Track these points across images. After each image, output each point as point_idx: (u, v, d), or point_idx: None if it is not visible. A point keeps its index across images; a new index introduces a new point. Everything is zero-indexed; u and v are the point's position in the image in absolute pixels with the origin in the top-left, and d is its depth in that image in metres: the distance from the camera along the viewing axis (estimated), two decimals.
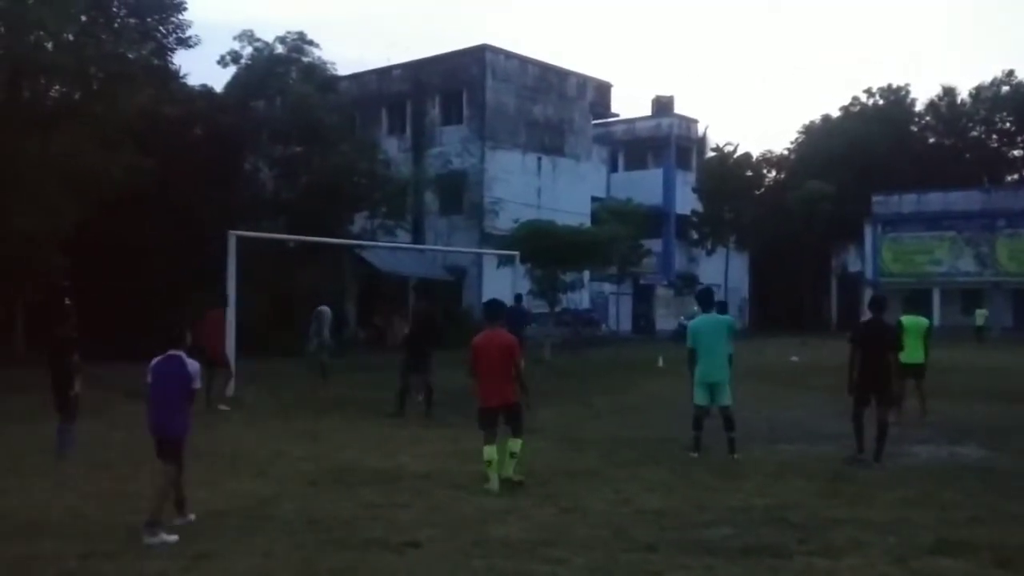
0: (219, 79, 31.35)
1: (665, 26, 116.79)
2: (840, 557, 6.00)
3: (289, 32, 28.85)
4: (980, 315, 39.71)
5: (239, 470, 8.86)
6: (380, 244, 29.42)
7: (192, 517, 6.77)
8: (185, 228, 23.04)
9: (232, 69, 28.64)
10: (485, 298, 11.60)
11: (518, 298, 19.61)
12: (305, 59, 29.11)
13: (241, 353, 15.07)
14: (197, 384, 6.75)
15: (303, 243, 23.69)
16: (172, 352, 6.69)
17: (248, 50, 28.37)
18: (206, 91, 27.76)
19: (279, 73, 28.44)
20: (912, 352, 12.81)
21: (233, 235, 15.95)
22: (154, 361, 6.70)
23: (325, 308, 17.78)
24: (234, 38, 28.49)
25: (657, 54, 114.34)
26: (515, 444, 8.31)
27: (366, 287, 32.15)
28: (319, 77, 29.08)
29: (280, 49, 28.73)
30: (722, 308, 10.81)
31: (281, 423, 11.96)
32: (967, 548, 6.16)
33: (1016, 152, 58.44)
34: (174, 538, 6.27)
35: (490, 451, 8.16)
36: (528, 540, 6.41)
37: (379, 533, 6.57)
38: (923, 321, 13.44)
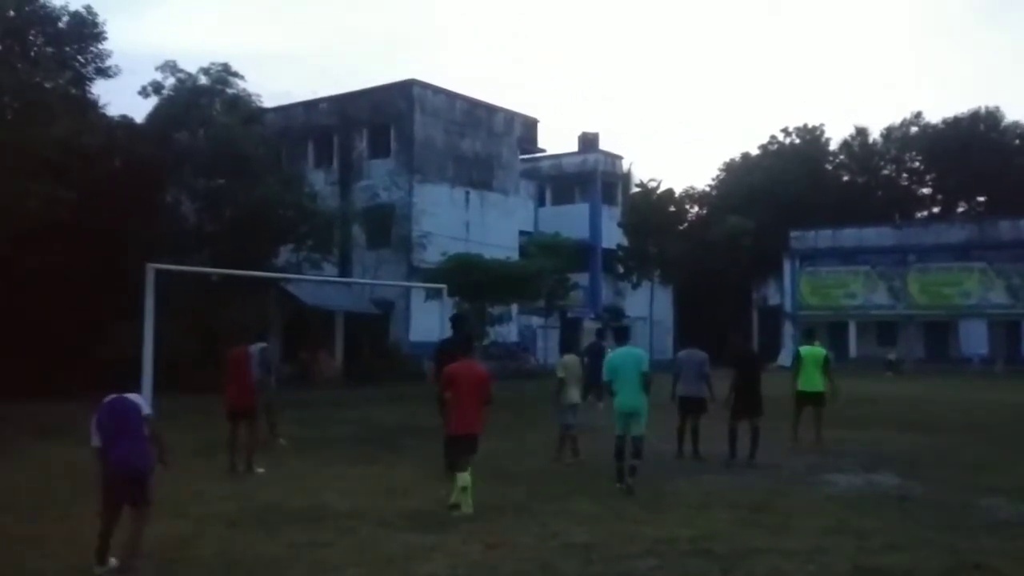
0: (140, 110, 30.64)
1: (589, 64, 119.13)
2: None
3: (213, 63, 28.50)
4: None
5: (158, 511, 8.50)
6: (306, 277, 29.03)
7: (114, 562, 6.49)
8: (104, 261, 22.41)
9: (154, 100, 28.12)
10: (413, 332, 11.60)
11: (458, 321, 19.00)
12: (229, 91, 28.71)
13: (161, 390, 14.65)
14: (147, 410, 6.61)
15: (227, 277, 23.26)
16: (112, 396, 6.57)
17: (171, 81, 27.86)
18: (126, 122, 27.14)
19: (202, 104, 27.98)
20: (810, 381, 13.61)
21: (152, 268, 15.56)
22: (104, 401, 6.56)
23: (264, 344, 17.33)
24: (156, 68, 27.96)
25: (581, 91, 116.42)
26: (464, 479, 8.46)
27: (292, 321, 31.66)
28: (243, 109, 28.71)
29: (203, 80, 28.29)
30: (623, 333, 11.11)
31: (203, 461, 11.65)
32: (883, 575, 6.33)
33: (925, 190, 60.94)
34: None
35: (464, 478, 8.35)
36: None
37: (302, 573, 6.44)
38: (820, 351, 14.17)
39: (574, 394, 11.79)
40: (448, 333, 11.68)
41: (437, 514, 8.42)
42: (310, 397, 22.55)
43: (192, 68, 28.24)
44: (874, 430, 15.88)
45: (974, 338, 44.62)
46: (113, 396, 6.58)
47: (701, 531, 7.77)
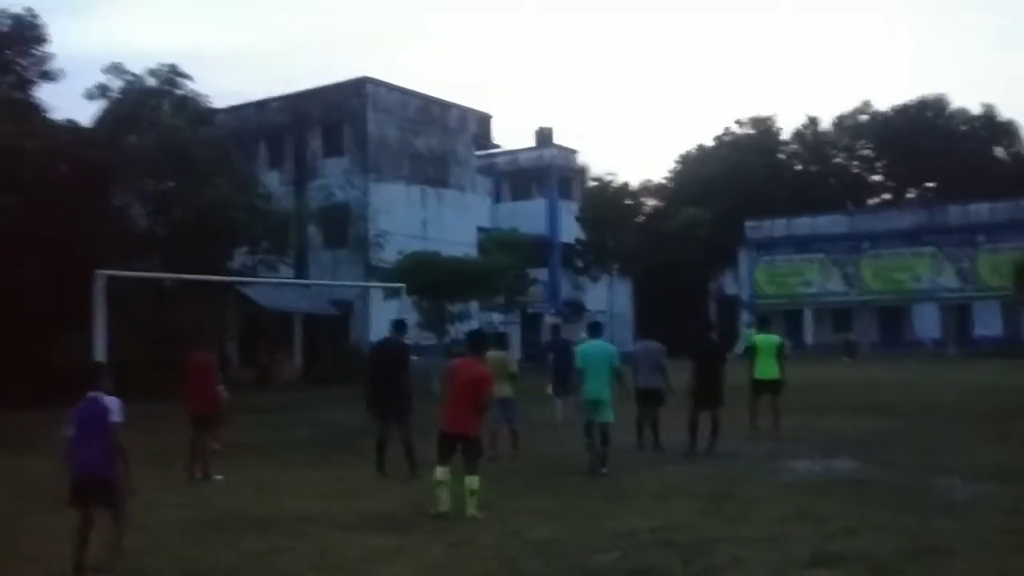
0: (87, 113, 29.99)
1: (543, 59, 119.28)
2: (723, 575, 6.13)
3: (160, 64, 28.03)
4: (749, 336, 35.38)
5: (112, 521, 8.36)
6: (262, 280, 28.68)
7: None
8: (52, 268, 21.90)
9: (100, 103, 27.58)
10: (373, 332, 11.49)
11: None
12: (178, 92, 28.27)
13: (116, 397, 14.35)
14: (117, 418, 6.40)
15: (180, 281, 22.88)
16: (90, 395, 6.42)
17: (117, 83, 27.37)
18: (72, 126, 26.58)
19: (150, 106, 27.51)
20: (766, 368, 13.77)
21: (101, 275, 15.24)
22: (73, 411, 6.38)
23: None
24: (102, 71, 27.44)
25: (535, 87, 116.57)
26: (472, 481, 8.20)
27: (249, 325, 31.28)
28: (192, 110, 28.29)
29: (151, 82, 27.81)
30: (597, 328, 11.76)
31: (158, 469, 11.42)
32: (841, 559, 6.39)
33: (876, 177, 62.01)
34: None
35: (442, 471, 8.14)
36: None
37: None
38: (774, 338, 14.36)
39: (497, 389, 11.47)
40: (386, 334, 11.57)
41: (398, 516, 8.35)
42: (268, 400, 22.31)
43: (139, 70, 27.76)
44: (831, 415, 16.09)
45: (926, 322, 45.52)
46: (92, 395, 6.43)
47: (662, 522, 7.79)
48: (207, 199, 25.81)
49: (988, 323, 43.58)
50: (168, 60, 28.82)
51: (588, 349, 11.03)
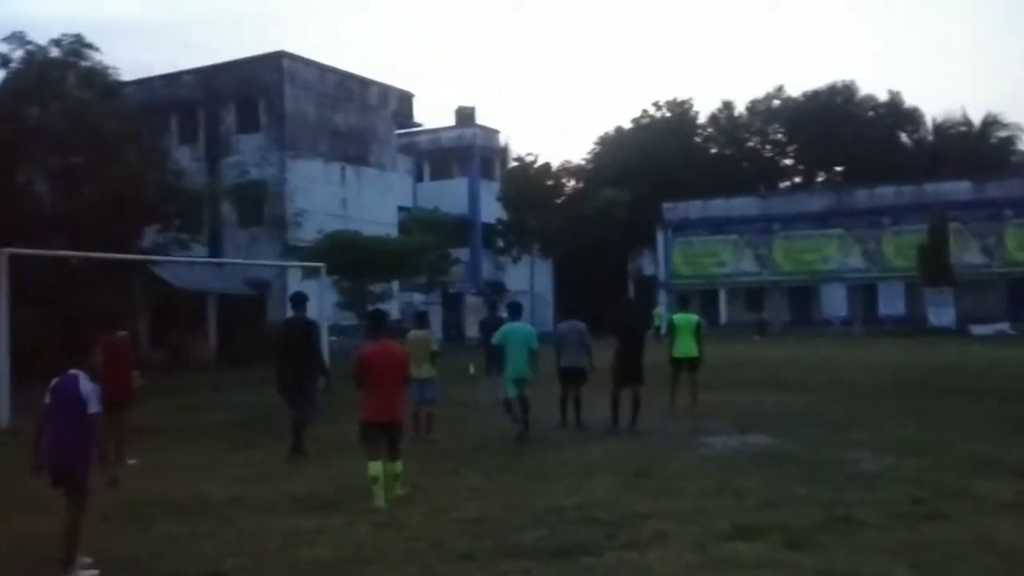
0: None
1: (464, 37, 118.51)
2: (647, 550, 6.25)
3: (65, 34, 26.82)
4: (657, 315, 36.03)
5: (24, 508, 8.02)
6: (174, 259, 27.85)
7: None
8: None
9: (0, 74, 26.30)
10: (291, 312, 11.22)
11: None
12: (84, 63, 27.11)
13: (21, 381, 13.80)
14: (93, 408, 6.10)
15: (88, 260, 22.03)
16: (70, 372, 6.12)
17: (19, 53, 26.07)
18: None
19: (54, 78, 26.34)
20: (685, 347, 14.15)
21: (5, 253, 14.60)
22: (53, 382, 6.11)
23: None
24: (2, 40, 26.14)
25: (456, 65, 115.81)
26: (396, 467, 8.15)
27: (161, 305, 30.37)
28: (100, 82, 27.17)
29: (55, 52, 26.62)
30: (516, 309, 12.58)
31: None
32: (760, 531, 6.58)
33: (787, 161, 63.58)
34: (94, 573, 5.86)
35: (376, 467, 7.92)
36: (342, 560, 6.24)
37: (180, 566, 6.18)
38: (693, 318, 14.79)
39: (417, 370, 11.36)
40: (289, 314, 11.37)
41: (320, 497, 8.24)
42: (183, 382, 21.77)
43: (42, 39, 26.53)
44: (746, 392, 16.52)
45: (834, 301, 47.02)
46: (72, 373, 6.15)
47: (587, 499, 7.89)
48: (117, 175, 24.89)
49: (892, 303, 45.28)
50: (73, 30, 27.61)
51: (510, 329, 11.81)
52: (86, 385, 6.13)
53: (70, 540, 6.02)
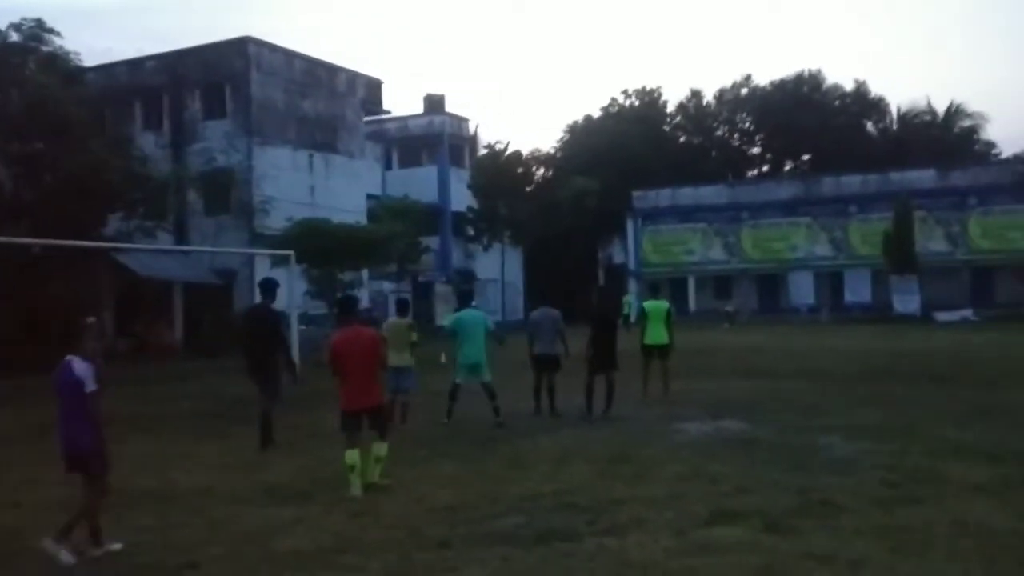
0: None
1: (433, 24, 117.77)
2: (626, 535, 6.23)
3: (24, 19, 26.26)
4: (627, 303, 37.72)
5: None
6: (139, 247, 27.41)
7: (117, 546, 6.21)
8: None
9: None
10: (258, 301, 11.10)
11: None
12: (45, 48, 26.58)
13: None
14: (90, 387, 6.05)
15: (50, 248, 21.60)
16: (66, 358, 6.09)
17: None
18: None
19: (14, 63, 25.79)
20: (656, 334, 14.22)
21: None
22: (53, 374, 6.12)
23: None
24: None
25: (425, 53, 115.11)
26: (381, 448, 8.07)
27: (125, 294, 29.92)
28: (62, 68, 26.63)
29: (14, 37, 26.07)
30: (468, 296, 13.36)
31: (36, 445, 10.80)
32: (737, 517, 6.58)
33: (755, 150, 64.03)
34: (72, 560, 5.85)
35: (352, 455, 7.78)
36: (319, 549, 6.16)
37: (154, 557, 6.06)
38: (663, 305, 14.86)
39: (395, 358, 11.24)
40: (257, 299, 11.38)
41: (295, 487, 8.15)
42: (149, 372, 21.49)
43: (2, 24, 25.96)
44: (717, 379, 16.63)
45: (802, 289, 47.48)
46: (68, 359, 6.11)
47: (564, 485, 7.87)
48: (80, 162, 24.44)
49: (858, 290, 45.81)
50: (34, 15, 27.02)
51: (463, 316, 12.07)
52: (80, 366, 6.10)
53: (90, 518, 6.15)
